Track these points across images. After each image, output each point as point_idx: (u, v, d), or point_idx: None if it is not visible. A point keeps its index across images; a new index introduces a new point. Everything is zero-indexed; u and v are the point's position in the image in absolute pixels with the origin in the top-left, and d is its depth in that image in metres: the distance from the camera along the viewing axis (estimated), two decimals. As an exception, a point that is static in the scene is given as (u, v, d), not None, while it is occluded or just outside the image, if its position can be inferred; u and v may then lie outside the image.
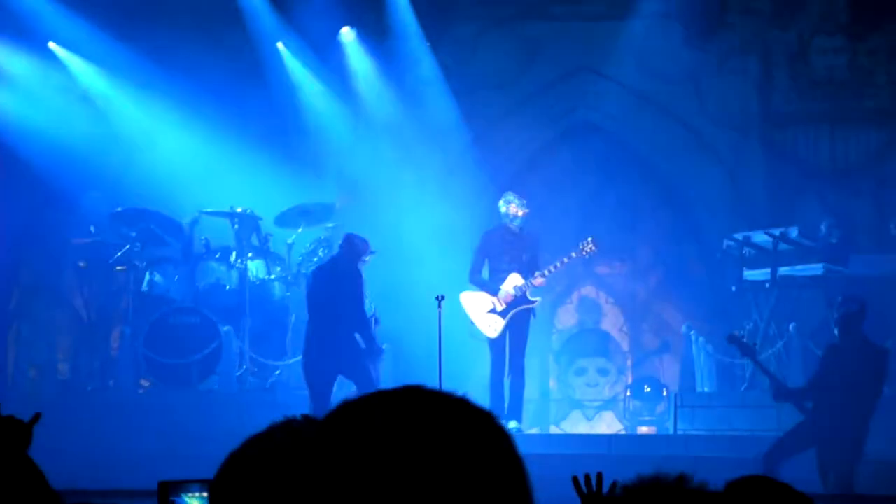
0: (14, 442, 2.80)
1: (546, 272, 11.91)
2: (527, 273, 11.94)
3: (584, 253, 12.02)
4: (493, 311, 11.97)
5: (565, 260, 11.98)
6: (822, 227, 12.89)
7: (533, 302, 11.96)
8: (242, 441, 2.23)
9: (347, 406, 1.51)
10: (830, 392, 9.99)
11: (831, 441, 9.93)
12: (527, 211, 12.05)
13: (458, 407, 1.51)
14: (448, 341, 11.48)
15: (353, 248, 11.36)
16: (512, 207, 12.03)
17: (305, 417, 2.25)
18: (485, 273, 12.13)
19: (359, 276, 11.34)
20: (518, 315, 11.93)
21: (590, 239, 12.00)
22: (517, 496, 1.47)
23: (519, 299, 11.92)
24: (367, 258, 11.45)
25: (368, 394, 1.52)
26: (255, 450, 2.18)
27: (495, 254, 12.06)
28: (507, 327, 11.93)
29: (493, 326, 11.95)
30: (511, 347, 11.97)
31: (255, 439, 2.21)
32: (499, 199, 12.34)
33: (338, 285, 11.27)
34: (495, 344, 11.99)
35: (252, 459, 2.17)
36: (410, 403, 1.50)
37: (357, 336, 11.12)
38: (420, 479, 1.42)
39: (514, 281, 11.92)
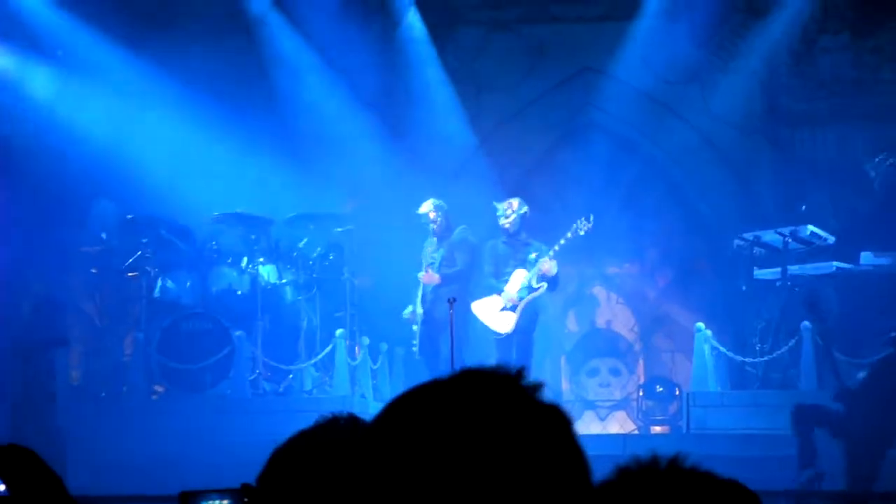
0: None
1: (547, 257, 12.02)
2: (530, 266, 12.12)
3: (580, 232, 12.15)
4: (503, 308, 12.18)
5: (562, 241, 12.11)
6: (831, 225, 12.88)
7: (537, 288, 12.11)
8: (286, 439, 2.23)
9: (406, 397, 1.51)
10: (869, 396, 10.03)
11: (862, 439, 9.95)
12: (513, 216, 12.21)
13: (518, 397, 1.49)
14: (459, 342, 11.56)
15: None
16: (501, 220, 12.32)
17: (350, 416, 2.26)
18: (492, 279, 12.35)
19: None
20: (525, 308, 12.10)
21: (582, 219, 12.09)
22: (575, 487, 1.48)
23: (525, 289, 12.11)
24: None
25: (426, 384, 1.52)
26: (303, 448, 2.18)
27: (499, 260, 12.30)
28: (518, 320, 12.12)
29: (506, 322, 12.15)
30: (516, 344, 12.11)
31: (301, 437, 2.21)
32: (506, 197, 12.54)
33: None
34: (500, 344, 12.17)
35: (299, 458, 2.17)
36: (467, 394, 1.48)
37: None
38: (474, 471, 1.42)
39: (518, 276, 12.15)
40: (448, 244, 12.47)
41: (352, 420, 2.23)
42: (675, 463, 1.56)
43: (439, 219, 12.53)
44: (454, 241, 12.50)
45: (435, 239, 12.57)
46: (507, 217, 12.23)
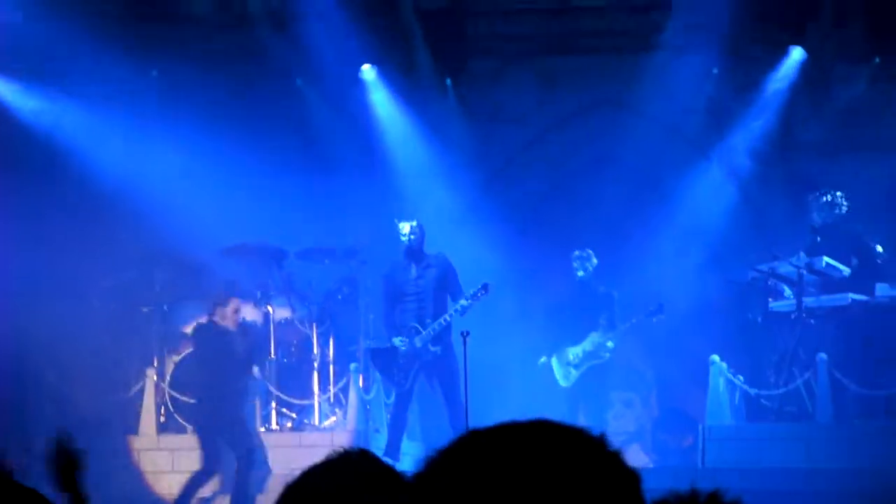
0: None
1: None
2: (605, 331, 12.99)
3: (654, 319, 13.12)
4: (569, 363, 12.96)
5: (633, 321, 13.13)
6: (850, 258, 12.77)
7: (603, 356, 12.99)
8: (299, 475, 2.21)
9: (474, 438, 1.52)
10: None
11: None
12: (591, 266, 13.11)
13: (584, 446, 1.52)
14: (473, 376, 11.50)
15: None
16: (580, 272, 13.15)
17: (362, 451, 2.24)
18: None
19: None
20: (592, 368, 12.95)
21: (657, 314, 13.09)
22: None
23: (591, 354, 12.99)
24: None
25: (496, 427, 1.54)
26: (314, 483, 2.15)
27: (572, 314, 13.03)
28: (580, 378, 12.95)
29: (566, 377, 13.01)
30: (586, 400, 12.96)
31: (312, 472, 2.19)
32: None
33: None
34: (567, 393, 12.97)
35: (311, 494, 2.14)
36: (535, 441, 1.51)
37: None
38: None
39: (592, 339, 12.99)
40: (433, 268, 12.14)
41: (363, 455, 2.20)
42: (715, 498, 1.57)
43: (415, 234, 12.17)
44: (445, 265, 12.18)
45: (412, 264, 12.17)
46: (585, 270, 13.09)
